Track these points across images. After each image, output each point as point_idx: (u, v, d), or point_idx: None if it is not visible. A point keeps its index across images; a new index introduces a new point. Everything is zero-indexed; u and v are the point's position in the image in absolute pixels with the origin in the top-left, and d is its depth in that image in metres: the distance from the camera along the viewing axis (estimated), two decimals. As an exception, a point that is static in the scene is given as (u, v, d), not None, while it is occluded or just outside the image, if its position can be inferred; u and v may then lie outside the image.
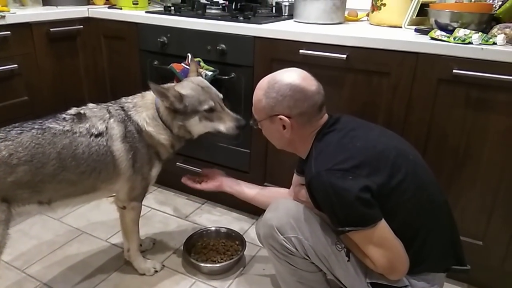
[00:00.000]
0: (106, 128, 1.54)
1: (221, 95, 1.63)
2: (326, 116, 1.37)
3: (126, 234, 1.84)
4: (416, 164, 1.30)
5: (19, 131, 1.41)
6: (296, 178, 1.59)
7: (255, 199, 1.67)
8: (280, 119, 1.30)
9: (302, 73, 1.32)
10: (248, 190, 1.69)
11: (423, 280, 1.29)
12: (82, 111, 1.56)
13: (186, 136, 1.65)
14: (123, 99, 1.66)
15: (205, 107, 1.57)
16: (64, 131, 1.47)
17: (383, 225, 1.18)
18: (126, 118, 1.59)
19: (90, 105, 1.62)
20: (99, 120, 1.55)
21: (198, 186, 1.72)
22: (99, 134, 1.52)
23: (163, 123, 1.60)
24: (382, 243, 1.19)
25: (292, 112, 1.29)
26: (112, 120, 1.56)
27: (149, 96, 1.66)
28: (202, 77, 1.94)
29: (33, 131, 1.42)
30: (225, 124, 1.59)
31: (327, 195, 1.19)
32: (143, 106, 1.63)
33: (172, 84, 1.68)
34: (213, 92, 1.61)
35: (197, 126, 1.60)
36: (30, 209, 1.47)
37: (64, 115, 1.53)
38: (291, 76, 1.30)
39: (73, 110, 1.57)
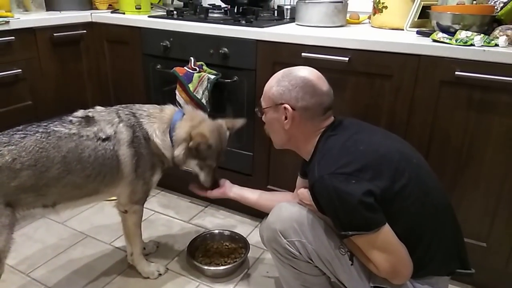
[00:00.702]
0: (115, 132, 1.54)
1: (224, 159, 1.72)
2: (331, 119, 1.37)
3: (128, 238, 1.84)
4: (420, 167, 1.30)
5: (22, 135, 1.40)
6: (299, 181, 1.59)
7: (258, 203, 1.67)
8: (285, 108, 1.31)
9: (318, 73, 1.36)
10: (251, 195, 1.70)
11: (427, 283, 1.28)
12: (90, 114, 1.56)
13: (178, 162, 1.67)
14: (137, 106, 1.67)
15: (208, 162, 1.65)
16: (70, 134, 1.47)
17: (386, 229, 1.18)
18: (136, 124, 1.59)
19: (98, 108, 1.62)
20: (107, 124, 1.55)
21: (204, 193, 1.73)
22: (107, 138, 1.52)
23: (170, 140, 1.62)
24: (386, 247, 1.19)
25: (297, 104, 1.31)
26: (121, 124, 1.56)
27: (168, 111, 1.67)
28: (206, 82, 1.95)
29: (37, 134, 1.42)
30: (205, 178, 1.69)
31: (330, 199, 1.19)
32: (158, 118, 1.63)
33: (202, 122, 1.65)
34: (223, 153, 1.69)
35: (191, 165, 1.68)
36: (35, 212, 1.47)
37: (70, 118, 1.53)
38: (306, 72, 1.34)
39: (80, 113, 1.57)
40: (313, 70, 1.36)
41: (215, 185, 1.71)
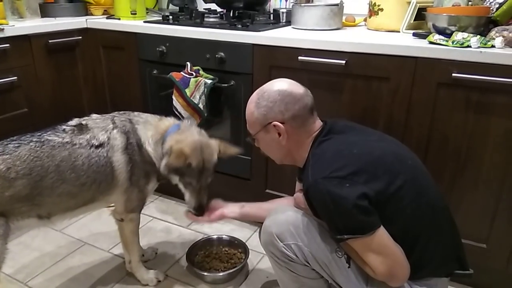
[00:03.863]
0: (108, 138, 1.53)
1: (210, 180, 1.61)
2: (319, 122, 1.37)
3: (126, 246, 1.83)
4: (415, 169, 1.29)
5: (17, 145, 1.40)
6: (298, 185, 1.58)
7: (259, 214, 1.58)
8: (274, 125, 1.31)
9: (288, 80, 1.36)
10: (250, 209, 1.62)
11: (426, 285, 1.27)
12: (84, 122, 1.56)
13: (163, 176, 1.62)
14: (135, 113, 1.66)
15: (188, 180, 1.56)
16: (63, 143, 1.46)
17: (381, 232, 1.17)
18: (130, 130, 1.58)
19: (94, 116, 1.61)
20: (101, 130, 1.54)
21: (197, 219, 1.63)
22: (100, 145, 1.51)
23: (161, 151, 1.58)
24: (381, 250, 1.18)
25: (284, 116, 1.31)
26: (115, 130, 1.55)
27: (166, 122, 1.64)
28: (203, 87, 1.94)
29: (31, 144, 1.41)
30: (189, 199, 1.60)
31: (324, 203, 1.18)
32: (155, 127, 1.61)
33: (188, 138, 1.58)
34: (207, 174, 1.58)
35: (175, 181, 1.61)
36: (30, 222, 1.45)
37: (64, 127, 1.52)
38: (278, 84, 1.34)
39: (74, 121, 1.56)
40: (283, 79, 1.37)
41: (200, 209, 1.59)
